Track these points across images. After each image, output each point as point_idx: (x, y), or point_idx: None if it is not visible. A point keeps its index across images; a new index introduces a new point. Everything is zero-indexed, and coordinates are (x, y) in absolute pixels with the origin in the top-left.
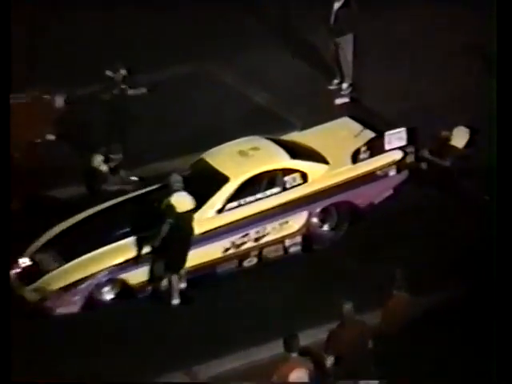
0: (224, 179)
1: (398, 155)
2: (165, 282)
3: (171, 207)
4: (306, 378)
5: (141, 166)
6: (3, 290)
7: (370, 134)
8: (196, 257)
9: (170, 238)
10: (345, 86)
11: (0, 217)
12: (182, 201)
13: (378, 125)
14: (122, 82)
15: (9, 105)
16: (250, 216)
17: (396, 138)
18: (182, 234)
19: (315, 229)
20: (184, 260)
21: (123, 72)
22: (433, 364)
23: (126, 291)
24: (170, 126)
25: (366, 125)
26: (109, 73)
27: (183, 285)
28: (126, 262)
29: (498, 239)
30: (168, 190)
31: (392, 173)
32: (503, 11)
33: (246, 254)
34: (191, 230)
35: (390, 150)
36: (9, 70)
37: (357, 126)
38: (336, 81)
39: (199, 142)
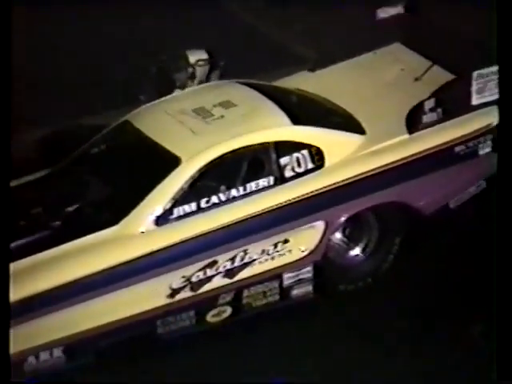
0: (169, 162)
1: (497, 116)
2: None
3: None
4: None
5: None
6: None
7: (442, 76)
8: (117, 306)
9: None
10: None
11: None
12: None
13: (458, 57)
14: None
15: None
16: (219, 229)
17: (493, 84)
18: None
19: (338, 253)
20: None
21: None
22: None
23: None
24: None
25: (436, 57)
26: None
27: None
28: None
29: None
30: None
31: (485, 150)
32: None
33: (210, 301)
34: None
35: (483, 105)
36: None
37: (418, 60)
38: None
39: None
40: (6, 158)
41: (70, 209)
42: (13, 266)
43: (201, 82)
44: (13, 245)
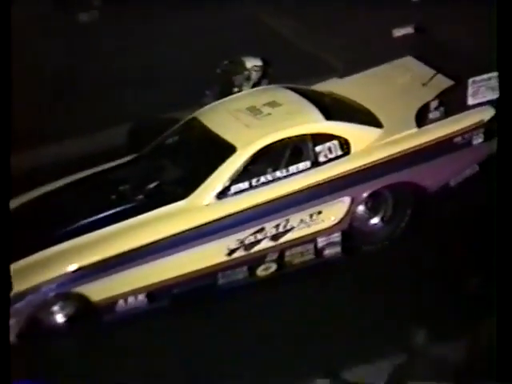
0: (228, 149)
1: (488, 114)
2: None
3: None
4: None
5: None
6: (3, 291)
7: (444, 82)
8: (187, 262)
9: None
10: None
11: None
12: None
13: (457, 67)
14: None
15: (9, 102)
16: (266, 203)
17: (485, 88)
18: None
19: (361, 222)
20: None
21: None
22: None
23: (85, 311)
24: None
25: (440, 67)
26: None
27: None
28: (86, 268)
29: None
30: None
31: (478, 140)
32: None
33: (260, 259)
34: None
35: (476, 105)
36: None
37: (425, 70)
38: None
39: (186, 94)
40: (5, 161)
41: (151, 186)
42: (106, 231)
43: (254, 85)
44: (105, 214)
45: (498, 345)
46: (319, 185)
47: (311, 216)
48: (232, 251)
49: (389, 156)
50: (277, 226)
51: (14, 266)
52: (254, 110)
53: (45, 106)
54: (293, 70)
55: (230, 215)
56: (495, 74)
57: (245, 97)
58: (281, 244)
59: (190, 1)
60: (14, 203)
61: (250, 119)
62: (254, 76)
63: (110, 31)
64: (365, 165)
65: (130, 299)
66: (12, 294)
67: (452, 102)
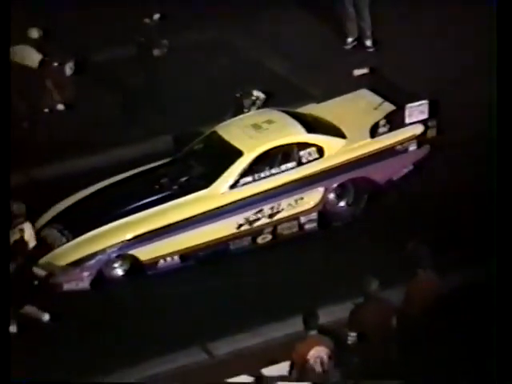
0: (237, 153)
1: (419, 129)
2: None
3: None
4: (325, 357)
5: (151, 139)
6: (3, 286)
7: (389, 107)
8: (208, 233)
9: None
10: (369, 43)
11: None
12: None
13: (398, 97)
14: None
15: (9, 96)
16: (264, 192)
17: (417, 111)
18: None
19: (331, 205)
20: None
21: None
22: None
23: (136, 267)
24: (182, 97)
25: (386, 97)
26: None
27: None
28: (137, 237)
29: None
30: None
31: (412, 148)
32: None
33: (259, 231)
34: None
35: (411, 123)
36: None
37: (376, 99)
38: (350, 39)
39: (212, 112)
40: (6, 167)
41: (183, 179)
42: (151, 211)
43: (258, 108)
44: (151, 199)
45: (497, 345)
46: (302, 179)
47: (296, 201)
48: (240, 226)
49: (350, 158)
50: (272, 208)
51: (88, 235)
52: (255, 126)
53: (121, 117)
54: (284, 98)
55: (238, 200)
56: (424, 101)
57: (250, 116)
58: (274, 221)
59: (217, 51)
60: (90, 190)
61: (253, 132)
62: (258, 103)
63: (173, 62)
64: (334, 165)
65: (168, 259)
66: (86, 254)
67: (394, 121)
